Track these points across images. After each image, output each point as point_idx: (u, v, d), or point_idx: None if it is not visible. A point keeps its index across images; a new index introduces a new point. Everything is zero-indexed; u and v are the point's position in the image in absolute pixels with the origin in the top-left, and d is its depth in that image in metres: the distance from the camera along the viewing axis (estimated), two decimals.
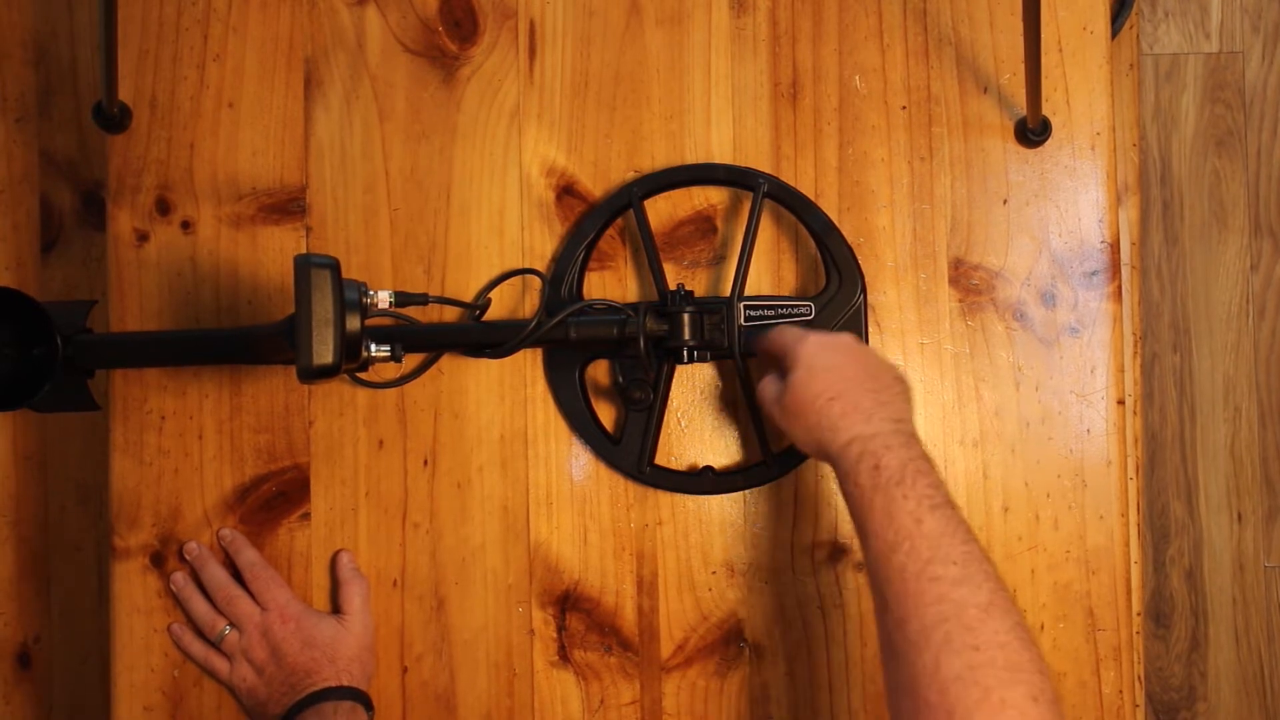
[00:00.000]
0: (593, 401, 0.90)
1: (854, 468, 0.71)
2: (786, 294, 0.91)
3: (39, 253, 1.28)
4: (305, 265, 0.73)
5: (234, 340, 0.87)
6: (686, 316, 0.84)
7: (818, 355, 0.77)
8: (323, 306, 0.73)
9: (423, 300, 0.83)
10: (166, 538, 0.91)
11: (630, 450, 0.89)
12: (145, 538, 0.91)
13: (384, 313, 0.84)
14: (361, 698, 0.86)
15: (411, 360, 0.90)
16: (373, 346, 0.79)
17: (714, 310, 0.86)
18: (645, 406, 0.86)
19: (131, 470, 0.92)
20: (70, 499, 1.28)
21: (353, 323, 0.74)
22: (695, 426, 0.91)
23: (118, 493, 0.92)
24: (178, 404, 0.92)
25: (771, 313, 0.86)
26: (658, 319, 0.84)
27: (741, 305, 0.86)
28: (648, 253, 0.88)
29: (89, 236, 1.29)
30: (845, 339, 0.80)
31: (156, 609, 0.91)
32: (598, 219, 0.90)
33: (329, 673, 0.85)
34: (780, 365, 0.80)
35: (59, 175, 1.29)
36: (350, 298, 0.74)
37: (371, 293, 0.79)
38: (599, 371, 0.91)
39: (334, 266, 0.74)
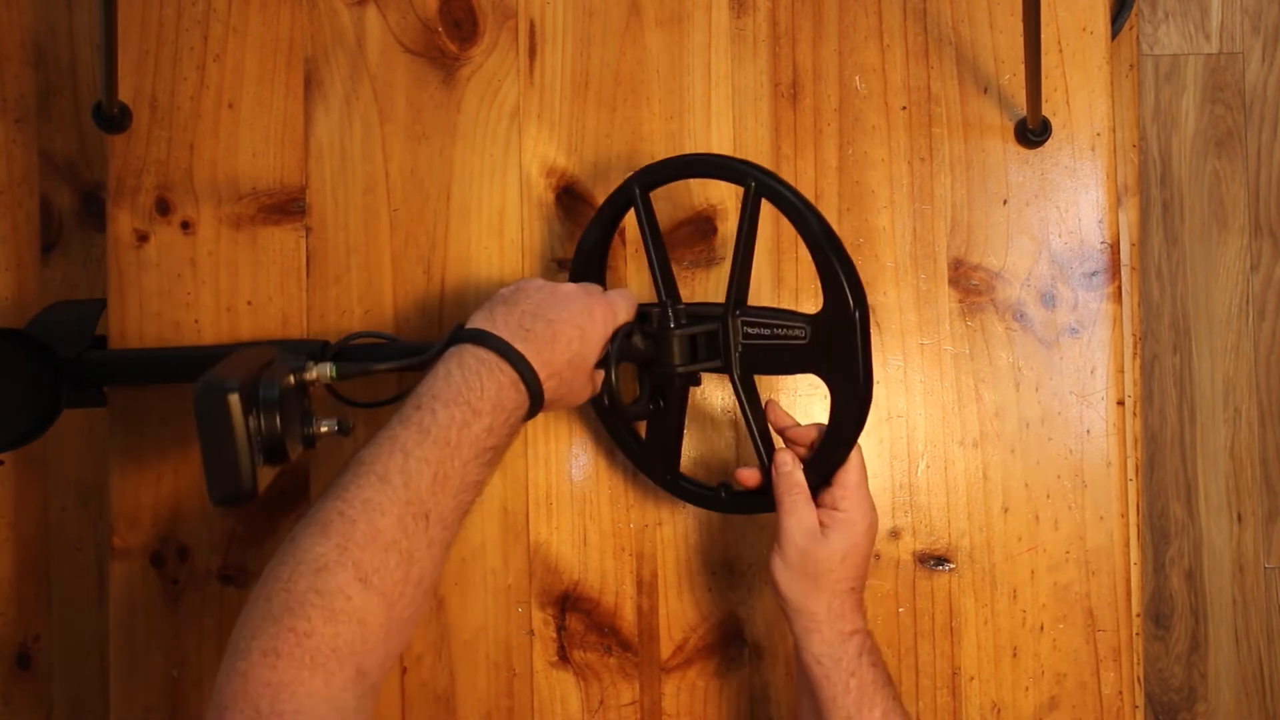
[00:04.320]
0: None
1: (854, 659, 0.75)
2: (788, 294, 0.91)
3: (39, 253, 1.28)
4: (203, 395, 0.67)
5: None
6: (676, 340, 0.79)
7: (864, 538, 0.77)
8: (226, 435, 0.66)
9: (366, 371, 0.77)
10: (166, 538, 0.91)
11: (653, 455, 0.85)
12: (145, 538, 0.91)
13: (349, 358, 0.78)
14: (532, 383, 0.72)
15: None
16: (320, 426, 0.74)
17: (708, 323, 0.79)
18: (636, 419, 0.83)
19: (131, 470, 0.92)
20: (70, 499, 1.28)
21: (269, 424, 0.68)
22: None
23: (117, 493, 0.92)
24: (177, 404, 0.92)
25: (767, 331, 0.78)
26: (644, 339, 0.79)
27: (740, 321, 0.79)
28: (652, 252, 0.82)
29: (89, 237, 1.29)
30: (877, 519, 0.79)
31: (156, 609, 0.91)
32: (601, 224, 0.85)
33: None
34: (821, 501, 0.78)
35: (59, 176, 1.29)
36: (267, 395, 0.68)
37: (309, 365, 0.74)
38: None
39: (233, 390, 0.66)
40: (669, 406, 0.82)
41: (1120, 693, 0.89)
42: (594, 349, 0.76)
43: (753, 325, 0.78)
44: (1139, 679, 1.12)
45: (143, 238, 0.93)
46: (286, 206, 0.93)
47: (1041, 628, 0.89)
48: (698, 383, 0.83)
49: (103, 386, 0.90)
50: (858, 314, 0.73)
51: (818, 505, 0.77)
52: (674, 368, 0.79)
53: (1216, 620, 1.62)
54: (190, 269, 0.93)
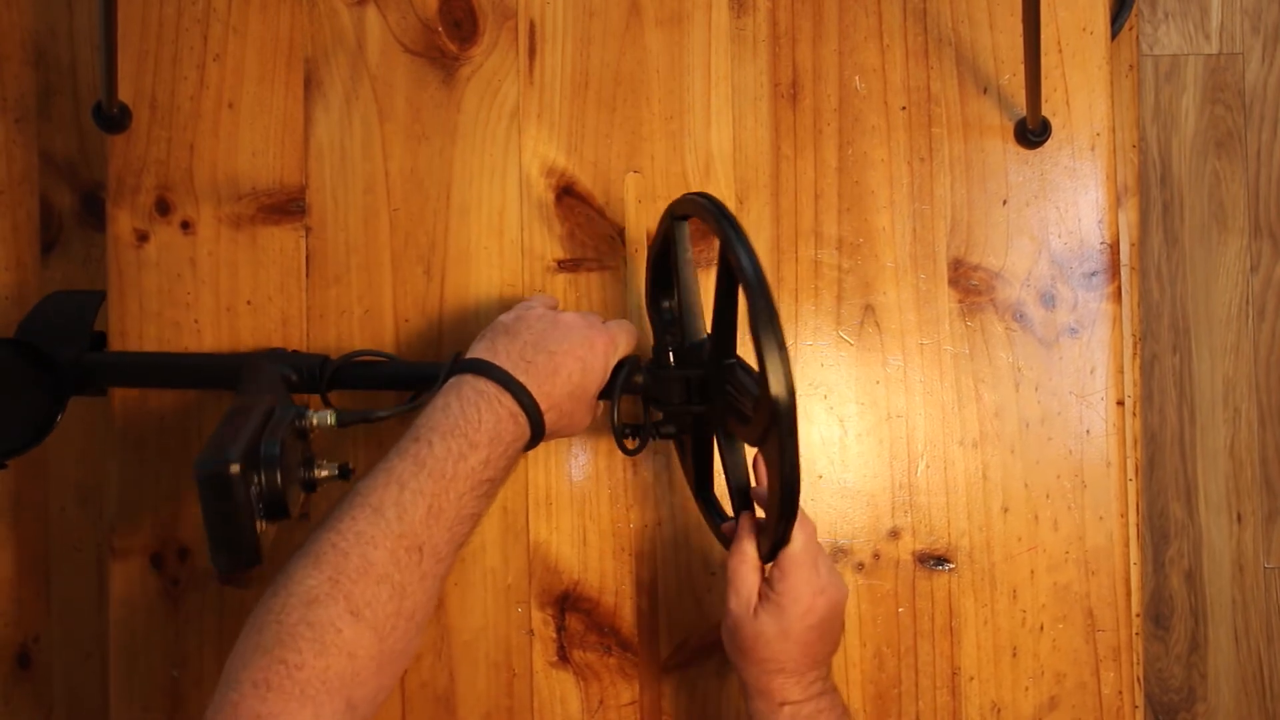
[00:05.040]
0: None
1: None
2: (787, 295, 0.90)
3: (39, 253, 1.28)
4: (203, 470, 0.66)
5: (232, 367, 0.87)
6: (673, 382, 0.79)
7: (798, 623, 0.71)
8: (229, 510, 0.66)
9: (366, 418, 0.77)
10: (166, 538, 0.91)
11: (689, 467, 0.84)
12: (145, 538, 0.91)
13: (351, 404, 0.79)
14: (532, 410, 0.72)
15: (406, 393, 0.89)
16: (320, 471, 0.75)
17: (701, 368, 0.78)
18: (636, 452, 0.82)
19: (131, 470, 0.92)
20: (70, 499, 1.28)
21: (271, 481, 0.68)
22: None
23: (117, 492, 0.92)
24: (177, 403, 0.92)
25: (735, 393, 0.73)
26: (645, 375, 0.80)
27: (723, 373, 0.75)
28: (678, 285, 0.81)
29: (89, 236, 1.29)
30: (831, 605, 0.73)
31: (156, 609, 0.91)
32: (650, 258, 0.85)
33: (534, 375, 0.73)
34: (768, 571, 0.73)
35: (59, 176, 1.29)
36: (268, 453, 0.68)
37: (309, 414, 0.75)
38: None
39: (233, 461, 0.66)
40: (691, 432, 0.81)
41: (1120, 693, 0.89)
42: (595, 381, 0.76)
43: (729, 383, 0.74)
44: (1139, 679, 1.12)
45: (143, 237, 0.93)
46: (286, 206, 0.93)
47: (1041, 628, 0.89)
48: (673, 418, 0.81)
49: (102, 389, 0.90)
50: (778, 408, 0.64)
51: (765, 578, 0.73)
52: (671, 405, 0.79)
53: (1216, 620, 1.62)
54: (190, 269, 0.93)
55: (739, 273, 0.67)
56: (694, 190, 0.91)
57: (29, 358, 0.84)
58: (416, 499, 0.65)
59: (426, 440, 0.67)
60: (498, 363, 0.72)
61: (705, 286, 0.91)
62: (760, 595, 0.72)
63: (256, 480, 0.68)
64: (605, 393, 0.79)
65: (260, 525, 0.68)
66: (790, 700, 0.72)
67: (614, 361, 0.77)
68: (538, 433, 0.72)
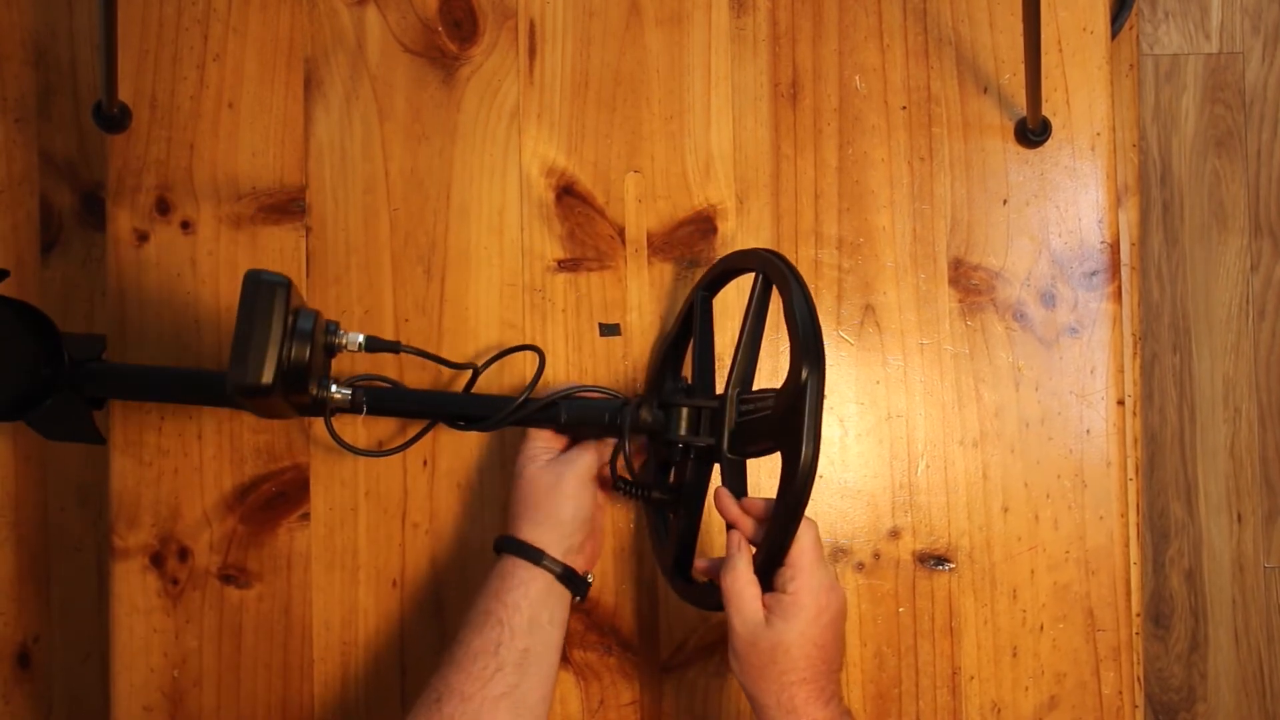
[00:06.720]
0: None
1: None
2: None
3: (39, 253, 1.28)
4: (252, 280, 0.70)
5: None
6: (682, 413, 0.80)
7: (813, 624, 0.70)
8: (263, 323, 0.69)
9: (394, 348, 0.81)
10: (166, 538, 0.91)
11: (669, 548, 0.82)
12: (145, 538, 0.91)
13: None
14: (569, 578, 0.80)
15: (413, 423, 0.90)
16: (333, 388, 0.78)
17: (712, 401, 0.79)
18: (648, 490, 0.82)
19: (131, 470, 0.92)
20: (70, 499, 1.28)
21: (299, 351, 0.71)
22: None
23: (117, 492, 0.92)
24: (177, 404, 0.92)
25: (751, 407, 0.76)
26: (653, 410, 0.81)
27: (737, 399, 0.77)
28: (701, 350, 0.84)
29: (89, 236, 1.29)
30: (841, 604, 0.73)
31: (156, 609, 0.91)
32: (675, 332, 0.88)
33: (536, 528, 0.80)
34: (765, 572, 0.72)
35: (59, 175, 1.29)
36: (302, 327, 0.71)
37: (341, 333, 0.77)
38: None
39: (284, 284, 0.70)
40: (682, 494, 0.81)
41: (1120, 692, 0.89)
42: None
43: (745, 404, 0.77)
44: (1139, 679, 1.12)
45: (143, 237, 0.93)
46: (286, 206, 0.93)
47: (1041, 627, 0.89)
48: (678, 458, 0.81)
49: (96, 396, 0.89)
50: (808, 378, 0.68)
51: (771, 588, 0.72)
52: (676, 438, 0.79)
53: (1216, 620, 1.62)
54: (190, 269, 0.93)
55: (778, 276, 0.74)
56: (695, 192, 0.91)
57: (47, 340, 0.84)
58: None
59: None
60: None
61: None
62: (768, 606, 0.71)
63: (288, 340, 0.71)
64: (613, 432, 0.82)
65: (282, 368, 0.70)
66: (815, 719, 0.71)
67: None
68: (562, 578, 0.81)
